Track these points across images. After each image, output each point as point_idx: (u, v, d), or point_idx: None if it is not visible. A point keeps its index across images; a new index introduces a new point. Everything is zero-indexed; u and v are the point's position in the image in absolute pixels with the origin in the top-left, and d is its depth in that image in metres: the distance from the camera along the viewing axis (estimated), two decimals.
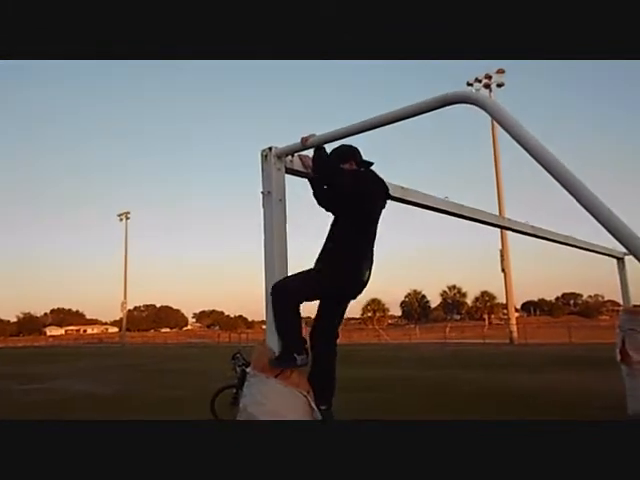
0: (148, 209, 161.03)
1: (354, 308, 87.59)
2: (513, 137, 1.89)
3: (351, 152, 2.99)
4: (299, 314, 2.72)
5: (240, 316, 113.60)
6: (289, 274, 2.77)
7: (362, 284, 2.84)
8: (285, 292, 2.67)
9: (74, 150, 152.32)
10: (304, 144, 2.76)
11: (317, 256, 2.86)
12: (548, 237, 5.65)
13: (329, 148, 2.94)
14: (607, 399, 7.60)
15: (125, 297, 53.20)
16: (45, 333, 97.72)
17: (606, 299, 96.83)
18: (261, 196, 2.78)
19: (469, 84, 34.31)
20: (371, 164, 3.02)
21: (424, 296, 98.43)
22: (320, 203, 3.02)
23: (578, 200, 1.78)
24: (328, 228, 2.94)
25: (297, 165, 2.91)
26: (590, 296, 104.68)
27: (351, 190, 2.81)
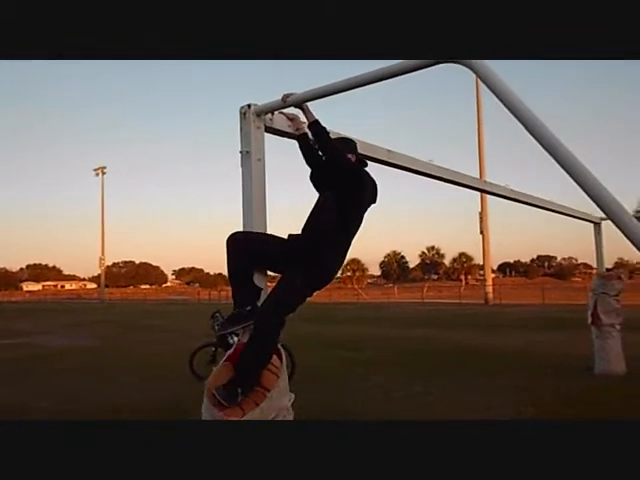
0: (126, 164, 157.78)
1: None
2: (501, 100, 1.84)
3: (354, 146, 2.84)
4: None
5: (220, 274, 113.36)
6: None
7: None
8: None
9: (50, 97, 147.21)
10: (284, 101, 2.67)
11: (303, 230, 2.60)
12: (527, 201, 5.68)
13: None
14: (578, 360, 7.86)
15: (103, 253, 52.55)
16: (22, 288, 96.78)
17: (579, 262, 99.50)
18: (240, 155, 2.70)
19: None
20: (366, 164, 2.88)
21: (403, 257, 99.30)
22: (308, 162, 2.80)
23: (563, 166, 1.75)
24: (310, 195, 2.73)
25: (277, 124, 2.81)
26: (564, 258, 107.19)
27: (358, 181, 2.64)
